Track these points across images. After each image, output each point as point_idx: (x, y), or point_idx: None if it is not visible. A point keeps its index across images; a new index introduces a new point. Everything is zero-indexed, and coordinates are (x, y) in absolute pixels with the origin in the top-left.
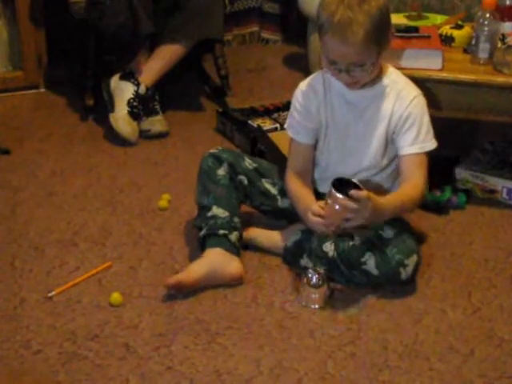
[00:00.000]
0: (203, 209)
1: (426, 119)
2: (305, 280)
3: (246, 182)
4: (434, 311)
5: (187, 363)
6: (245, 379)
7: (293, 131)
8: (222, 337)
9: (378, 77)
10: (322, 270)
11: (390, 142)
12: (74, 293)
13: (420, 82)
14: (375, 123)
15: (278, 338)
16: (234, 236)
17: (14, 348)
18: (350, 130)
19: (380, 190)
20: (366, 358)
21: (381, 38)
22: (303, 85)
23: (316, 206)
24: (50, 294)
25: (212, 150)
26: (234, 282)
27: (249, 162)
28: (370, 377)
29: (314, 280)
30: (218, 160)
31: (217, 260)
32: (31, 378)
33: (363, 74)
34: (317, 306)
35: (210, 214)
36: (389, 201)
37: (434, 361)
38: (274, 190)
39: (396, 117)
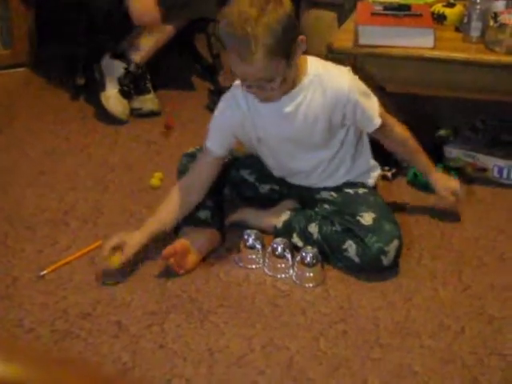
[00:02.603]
0: None
1: (365, 90)
2: (299, 259)
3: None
4: (425, 289)
5: (179, 341)
6: (237, 357)
7: (208, 138)
8: (214, 315)
9: (299, 77)
10: (315, 249)
11: (335, 129)
12: (66, 271)
13: (411, 61)
14: (312, 120)
15: (270, 316)
16: (203, 213)
17: (7, 327)
18: (287, 134)
19: (342, 168)
20: (358, 335)
21: (287, 50)
22: (226, 97)
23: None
24: (41, 273)
25: (188, 151)
26: (214, 246)
27: None
28: (361, 354)
29: (308, 259)
30: (193, 157)
31: (191, 234)
32: None
33: (275, 89)
34: (311, 285)
35: None
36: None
37: (424, 338)
38: (251, 179)
39: (339, 107)
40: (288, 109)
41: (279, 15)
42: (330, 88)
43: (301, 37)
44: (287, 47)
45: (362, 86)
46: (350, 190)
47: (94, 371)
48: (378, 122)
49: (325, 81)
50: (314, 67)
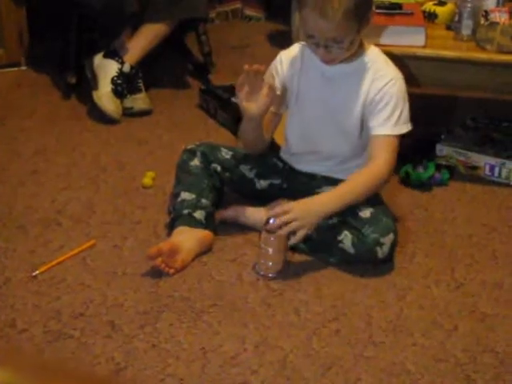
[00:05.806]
0: (174, 197)
1: (402, 103)
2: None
3: (219, 168)
4: (418, 287)
5: (172, 341)
6: (230, 356)
7: None
8: (207, 314)
9: (358, 54)
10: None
11: (365, 122)
12: (59, 271)
13: (403, 59)
14: (351, 101)
15: (263, 316)
16: (198, 213)
17: None
18: (325, 104)
19: (356, 162)
20: (351, 334)
21: (362, 16)
22: (283, 53)
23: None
24: (34, 273)
25: (188, 146)
26: (205, 248)
27: (225, 152)
28: (354, 353)
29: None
30: (192, 153)
31: (184, 234)
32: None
33: (340, 51)
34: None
35: (179, 199)
36: (330, 194)
37: (417, 336)
38: (250, 174)
39: (371, 96)
40: (334, 76)
41: None
42: (378, 72)
43: (373, 8)
44: (363, 13)
45: (404, 94)
46: None
47: (86, 375)
48: (387, 131)
49: (378, 67)
50: (375, 53)
